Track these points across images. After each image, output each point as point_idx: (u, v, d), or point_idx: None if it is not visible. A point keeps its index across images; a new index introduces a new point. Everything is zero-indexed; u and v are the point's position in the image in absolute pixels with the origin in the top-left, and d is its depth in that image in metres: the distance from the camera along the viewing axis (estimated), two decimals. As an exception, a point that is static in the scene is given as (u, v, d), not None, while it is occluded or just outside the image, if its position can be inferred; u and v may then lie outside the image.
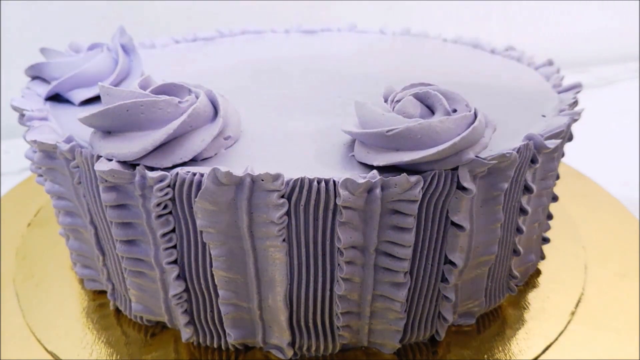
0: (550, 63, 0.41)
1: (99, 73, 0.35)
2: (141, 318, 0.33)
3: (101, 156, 0.27)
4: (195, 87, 0.29)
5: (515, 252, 0.33)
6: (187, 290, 0.30)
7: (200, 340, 0.32)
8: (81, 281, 0.37)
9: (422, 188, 0.26)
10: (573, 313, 0.34)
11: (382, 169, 0.26)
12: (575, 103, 0.34)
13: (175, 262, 0.29)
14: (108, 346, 0.32)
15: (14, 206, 0.46)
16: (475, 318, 0.33)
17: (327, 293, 0.29)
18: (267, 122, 0.32)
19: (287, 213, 0.26)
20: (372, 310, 0.30)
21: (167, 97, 0.27)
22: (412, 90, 0.27)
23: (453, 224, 0.28)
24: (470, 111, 0.26)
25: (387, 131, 0.25)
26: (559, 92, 0.36)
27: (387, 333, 0.31)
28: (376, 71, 0.41)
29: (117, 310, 0.34)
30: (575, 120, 0.33)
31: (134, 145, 0.26)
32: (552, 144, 0.29)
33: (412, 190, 0.25)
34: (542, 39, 0.90)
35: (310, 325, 0.30)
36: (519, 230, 0.32)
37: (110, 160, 0.26)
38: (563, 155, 0.35)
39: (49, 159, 0.31)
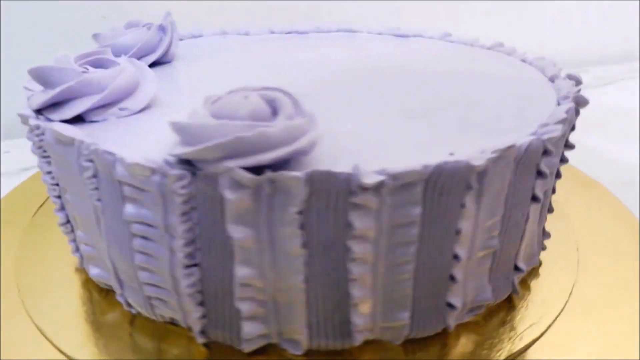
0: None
1: (126, 47, 0.41)
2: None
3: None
4: (125, 63, 0.35)
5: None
6: (68, 221, 0.35)
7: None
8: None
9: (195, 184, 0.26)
10: (558, 317, 0.34)
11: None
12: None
13: (58, 197, 0.35)
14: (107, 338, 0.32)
15: (14, 206, 0.46)
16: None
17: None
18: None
19: (95, 176, 0.29)
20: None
21: (76, 67, 0.33)
22: (239, 94, 0.28)
23: None
24: (291, 119, 0.26)
25: (173, 123, 0.26)
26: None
27: None
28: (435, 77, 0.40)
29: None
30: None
31: (39, 98, 0.32)
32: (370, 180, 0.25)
33: (178, 183, 0.26)
34: (542, 39, 0.90)
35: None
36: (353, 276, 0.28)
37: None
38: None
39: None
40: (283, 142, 0.25)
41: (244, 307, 0.29)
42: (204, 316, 0.31)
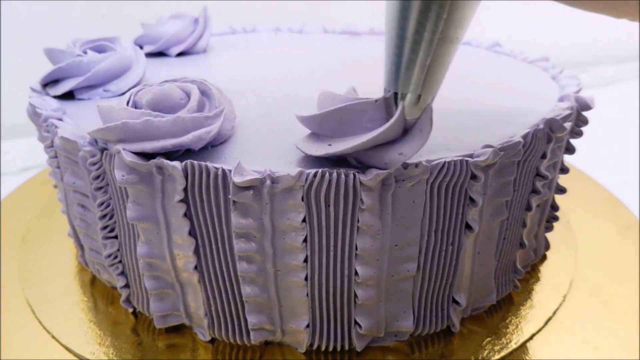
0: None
1: (158, 36, 0.46)
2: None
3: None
4: (124, 51, 0.38)
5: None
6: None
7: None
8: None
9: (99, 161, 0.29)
10: (555, 316, 0.34)
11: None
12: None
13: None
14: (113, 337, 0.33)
15: (14, 206, 0.46)
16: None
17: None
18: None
19: (52, 145, 0.33)
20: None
21: (73, 51, 0.37)
22: (163, 84, 0.29)
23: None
24: (191, 113, 0.27)
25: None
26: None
27: None
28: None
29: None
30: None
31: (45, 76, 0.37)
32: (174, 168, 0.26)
33: (89, 159, 0.29)
34: (542, 39, 0.90)
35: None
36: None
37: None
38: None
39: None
40: (170, 134, 0.26)
41: (150, 285, 0.30)
42: (126, 285, 0.33)
